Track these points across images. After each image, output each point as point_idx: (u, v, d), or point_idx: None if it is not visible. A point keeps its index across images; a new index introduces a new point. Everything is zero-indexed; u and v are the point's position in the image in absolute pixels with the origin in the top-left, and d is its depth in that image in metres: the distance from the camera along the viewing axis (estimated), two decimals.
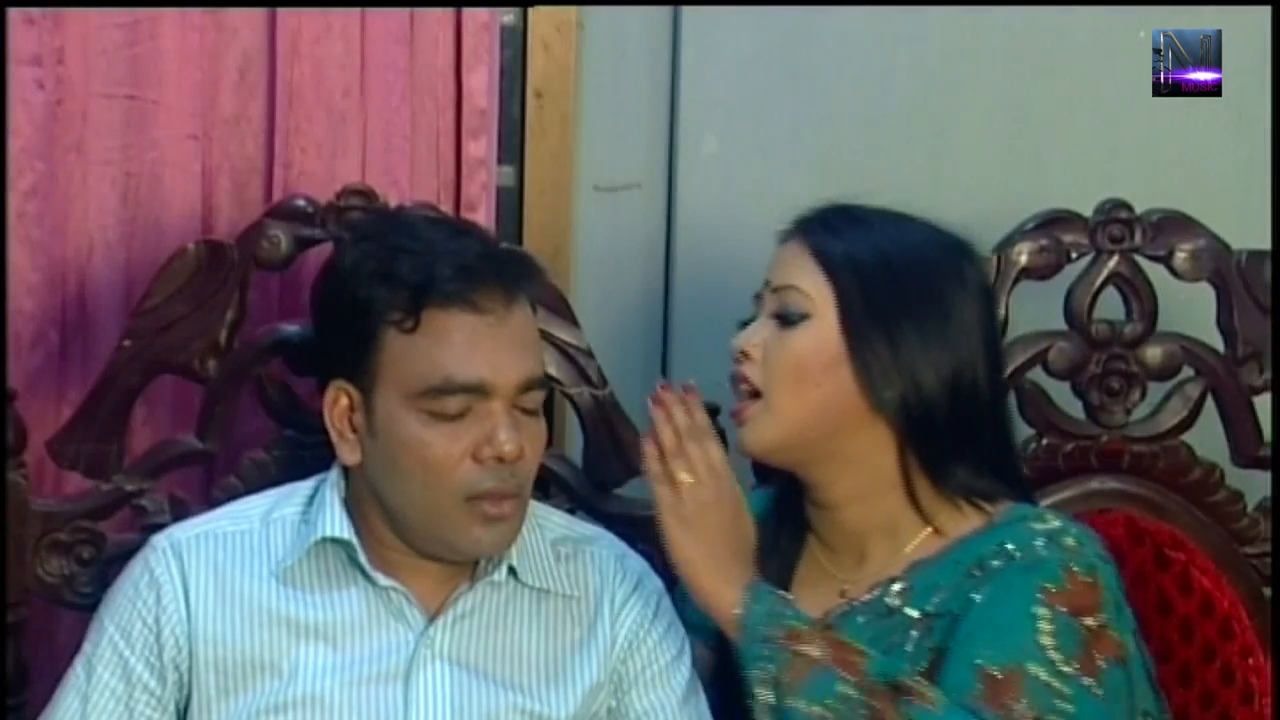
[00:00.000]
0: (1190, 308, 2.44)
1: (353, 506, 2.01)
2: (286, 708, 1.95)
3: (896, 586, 2.00)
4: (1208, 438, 2.40)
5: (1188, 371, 2.38)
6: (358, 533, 1.99)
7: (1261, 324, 2.36)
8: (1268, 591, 2.36)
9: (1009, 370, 2.34)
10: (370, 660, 1.97)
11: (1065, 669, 1.87)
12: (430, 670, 1.97)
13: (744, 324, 2.05)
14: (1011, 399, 2.30)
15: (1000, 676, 1.86)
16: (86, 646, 2.01)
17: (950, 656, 1.91)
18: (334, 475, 2.03)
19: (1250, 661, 2.28)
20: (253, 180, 2.52)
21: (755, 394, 2.01)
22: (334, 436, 1.99)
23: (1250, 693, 2.27)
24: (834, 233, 2.02)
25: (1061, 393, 2.39)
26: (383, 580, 1.98)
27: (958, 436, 1.99)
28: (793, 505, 2.07)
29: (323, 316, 2.05)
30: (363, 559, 1.98)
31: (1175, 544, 2.31)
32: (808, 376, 1.98)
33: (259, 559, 2.01)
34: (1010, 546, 1.95)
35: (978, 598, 1.93)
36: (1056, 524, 1.98)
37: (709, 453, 1.99)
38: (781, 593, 1.96)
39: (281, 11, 2.48)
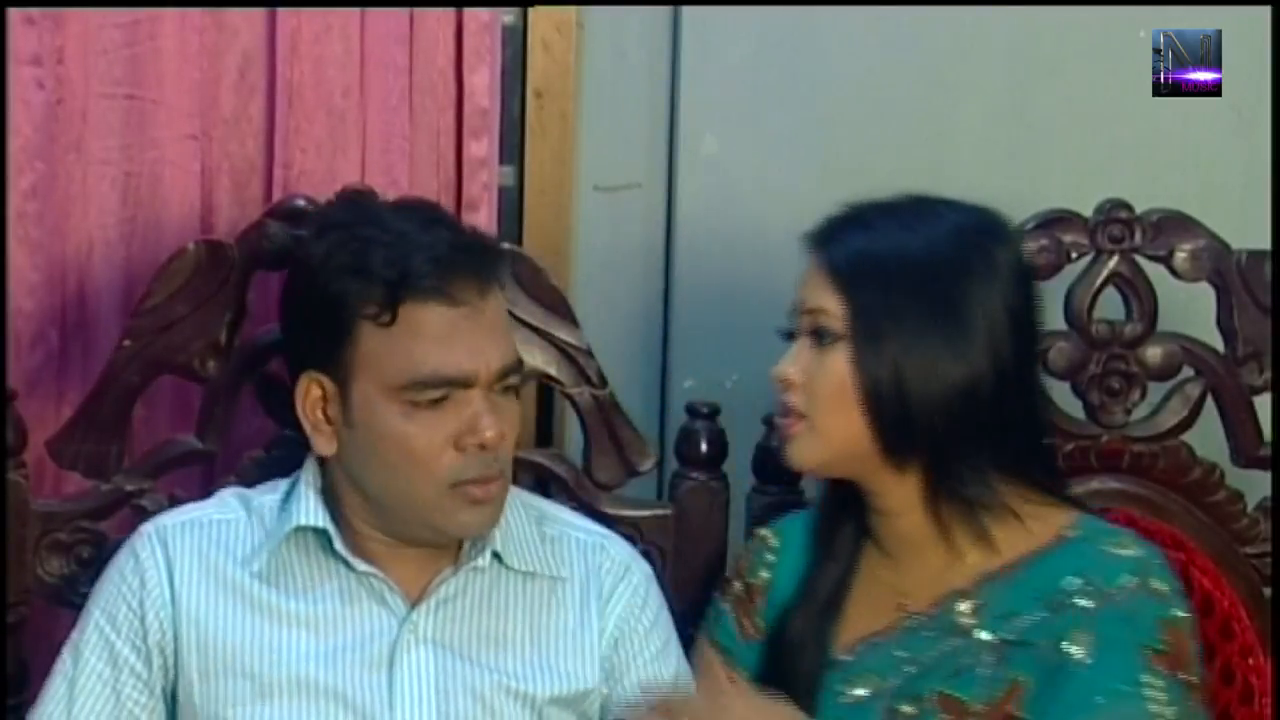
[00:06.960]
0: (1190, 308, 2.43)
1: (329, 496, 2.02)
2: (270, 692, 1.96)
3: (965, 605, 1.97)
4: (1208, 438, 2.40)
5: (1188, 371, 2.38)
6: (335, 521, 2.00)
7: (1261, 324, 2.36)
8: (1268, 591, 2.36)
9: None
10: (354, 646, 1.98)
11: None
12: (414, 654, 1.98)
13: (783, 335, 2.02)
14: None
15: None
16: (74, 635, 2.03)
17: None
18: (308, 465, 2.04)
19: (1250, 661, 2.28)
20: (252, 180, 2.52)
21: (800, 413, 1.98)
22: (307, 428, 1.99)
23: (1250, 693, 2.27)
24: (847, 254, 1.97)
25: (1061, 393, 2.38)
26: (361, 566, 1.99)
27: (981, 446, 1.95)
28: (851, 509, 2.04)
29: (292, 309, 2.03)
30: (339, 546, 1.99)
31: (1175, 544, 2.31)
32: (850, 396, 1.95)
33: (243, 547, 2.02)
34: (1097, 580, 1.92)
35: (1074, 651, 1.90)
36: (1135, 551, 1.95)
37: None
38: None
39: (281, 11, 2.48)
